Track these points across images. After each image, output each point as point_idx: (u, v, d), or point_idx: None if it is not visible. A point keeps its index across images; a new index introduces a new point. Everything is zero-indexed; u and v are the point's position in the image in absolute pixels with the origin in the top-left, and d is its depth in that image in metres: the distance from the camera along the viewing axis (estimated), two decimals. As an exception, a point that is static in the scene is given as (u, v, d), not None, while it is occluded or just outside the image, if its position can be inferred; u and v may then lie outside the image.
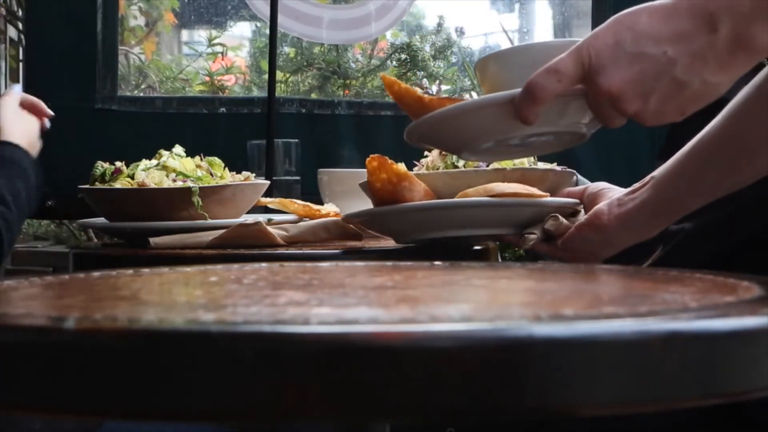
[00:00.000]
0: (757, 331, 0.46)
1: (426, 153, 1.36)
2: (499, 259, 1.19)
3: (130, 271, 0.76)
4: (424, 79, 3.31)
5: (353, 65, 3.29)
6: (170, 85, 3.38)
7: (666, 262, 1.12)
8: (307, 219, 1.48)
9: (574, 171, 1.34)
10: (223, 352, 0.40)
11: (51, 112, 1.58)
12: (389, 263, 0.82)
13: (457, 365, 0.40)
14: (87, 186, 1.47)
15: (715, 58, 0.77)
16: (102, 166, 1.48)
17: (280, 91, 3.04)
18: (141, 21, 3.70)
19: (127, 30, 3.53)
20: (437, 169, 1.32)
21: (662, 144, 1.27)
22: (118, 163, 1.47)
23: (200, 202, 1.38)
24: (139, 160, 1.48)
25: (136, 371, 0.41)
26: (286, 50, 3.34)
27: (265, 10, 2.48)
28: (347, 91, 3.26)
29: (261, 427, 0.43)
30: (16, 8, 3.38)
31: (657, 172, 1.06)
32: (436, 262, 0.84)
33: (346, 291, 0.63)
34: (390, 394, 0.40)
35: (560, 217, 1.18)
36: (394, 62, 3.27)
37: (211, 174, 1.45)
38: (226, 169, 1.50)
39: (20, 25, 3.32)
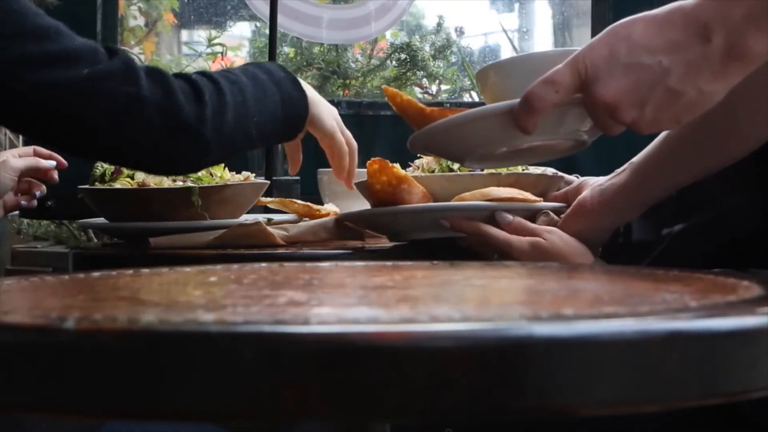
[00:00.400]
0: (757, 331, 0.46)
1: (420, 156, 1.37)
2: (496, 257, 1.21)
3: (130, 271, 0.76)
4: (424, 79, 3.31)
5: (353, 65, 3.29)
6: (170, 85, 3.38)
7: (657, 263, 1.14)
8: (307, 219, 1.48)
9: (564, 174, 1.38)
10: (223, 352, 0.40)
11: (62, 161, 1.56)
12: (389, 263, 0.82)
13: (457, 365, 0.40)
14: (87, 186, 1.47)
15: (709, 67, 0.77)
16: (102, 166, 1.48)
17: (280, 91, 3.03)
18: (141, 21, 3.70)
19: (126, 30, 3.53)
20: (432, 170, 1.34)
21: None
22: (118, 163, 1.47)
23: (200, 202, 1.38)
24: (139, 160, 1.48)
25: (136, 371, 0.41)
26: (286, 50, 3.34)
27: (264, 10, 2.48)
28: (347, 91, 3.26)
29: (261, 427, 0.43)
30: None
31: (636, 158, 1.11)
32: (436, 262, 0.84)
33: (346, 291, 0.63)
34: (390, 394, 0.40)
35: (551, 213, 1.21)
36: (394, 62, 3.27)
37: (211, 174, 1.45)
38: (226, 169, 1.50)
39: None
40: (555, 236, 1.19)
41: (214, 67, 3.42)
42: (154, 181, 1.43)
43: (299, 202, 1.53)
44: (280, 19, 2.39)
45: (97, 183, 1.46)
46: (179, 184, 1.42)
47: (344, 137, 1.42)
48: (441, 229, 1.21)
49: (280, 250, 1.31)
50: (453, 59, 3.38)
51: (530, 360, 0.41)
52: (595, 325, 0.43)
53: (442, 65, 3.31)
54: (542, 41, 3.80)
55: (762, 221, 1.09)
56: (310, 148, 2.25)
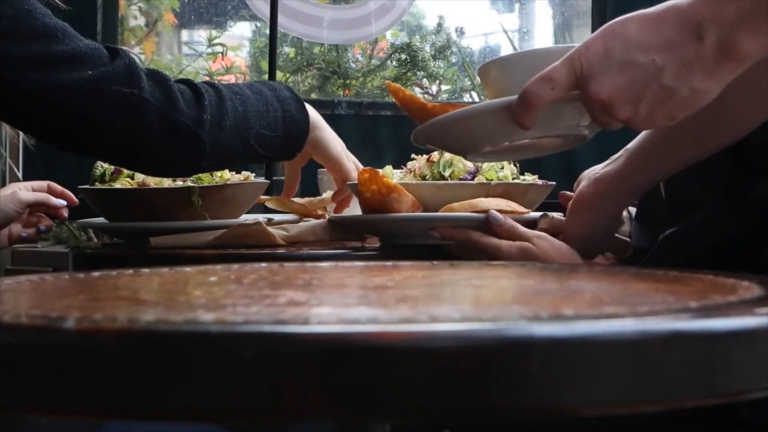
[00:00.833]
0: (757, 331, 0.46)
1: (414, 157, 1.40)
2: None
3: (130, 271, 0.76)
4: (424, 79, 3.31)
5: (353, 65, 3.29)
6: (170, 84, 3.38)
7: (650, 265, 1.16)
8: (306, 219, 1.48)
9: (554, 183, 1.40)
10: (223, 352, 0.40)
11: (73, 199, 1.56)
12: (389, 263, 0.82)
13: (457, 365, 0.40)
14: (87, 186, 1.47)
15: (702, 65, 0.78)
16: (102, 166, 1.48)
17: (280, 91, 3.03)
18: (141, 21, 3.70)
19: (127, 30, 3.53)
20: (424, 176, 1.36)
21: None
22: (118, 163, 1.47)
23: (200, 202, 1.38)
24: (139, 160, 1.48)
25: (136, 371, 0.41)
26: (286, 50, 3.34)
27: (265, 10, 2.48)
28: (347, 91, 3.27)
29: (261, 427, 0.43)
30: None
31: (631, 144, 1.13)
32: (436, 262, 0.84)
33: (346, 291, 0.63)
34: (390, 394, 0.40)
35: (549, 214, 1.23)
36: (394, 62, 3.27)
37: (211, 174, 1.45)
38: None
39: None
40: (545, 242, 1.21)
41: (214, 66, 3.42)
42: (154, 181, 1.43)
43: (298, 200, 1.54)
44: (281, 19, 2.40)
45: (97, 183, 1.46)
46: (179, 183, 1.42)
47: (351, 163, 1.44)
48: (429, 236, 1.25)
49: (280, 250, 1.31)
50: (453, 59, 3.38)
51: (530, 360, 0.41)
52: (595, 326, 0.43)
53: (442, 65, 3.31)
54: (543, 41, 3.79)
55: (742, 226, 1.12)
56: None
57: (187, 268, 0.80)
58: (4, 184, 2.73)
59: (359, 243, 1.39)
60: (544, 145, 1.03)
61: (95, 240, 2.86)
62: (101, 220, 1.51)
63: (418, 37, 3.37)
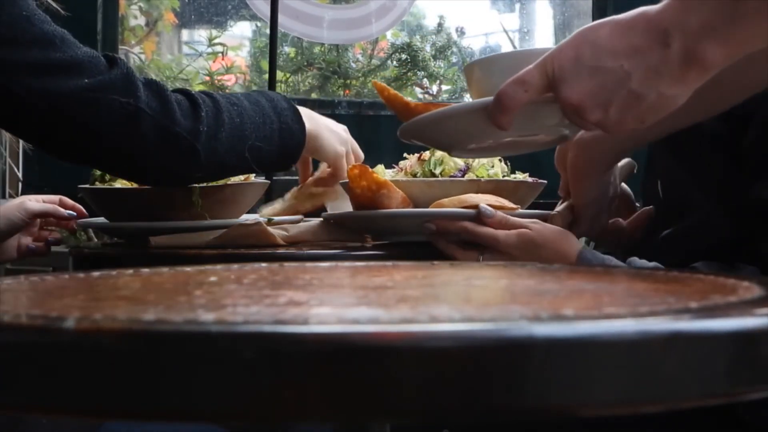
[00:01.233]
0: (758, 332, 0.46)
1: (406, 156, 1.42)
2: (481, 259, 1.24)
3: (130, 271, 0.76)
4: (425, 79, 3.31)
5: (353, 65, 3.29)
6: (170, 84, 3.38)
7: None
8: (307, 219, 1.48)
9: (545, 181, 1.40)
10: (223, 352, 0.40)
11: (82, 211, 1.55)
12: (389, 263, 0.82)
13: (458, 365, 0.40)
14: (87, 186, 1.47)
15: (669, 72, 0.79)
16: (102, 166, 1.48)
17: (281, 90, 3.04)
18: (141, 20, 3.70)
19: (127, 29, 3.53)
20: (415, 174, 1.38)
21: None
22: (119, 163, 1.47)
23: (200, 202, 1.38)
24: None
25: (136, 371, 0.41)
26: (287, 50, 3.34)
27: (265, 10, 2.48)
28: (347, 91, 3.26)
29: (261, 427, 0.43)
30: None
31: None
32: (436, 262, 0.84)
33: (346, 291, 0.63)
34: (390, 394, 0.40)
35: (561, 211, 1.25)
36: (395, 62, 3.27)
37: (211, 174, 1.45)
38: (227, 169, 1.50)
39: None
40: (540, 226, 1.22)
41: (214, 66, 3.42)
42: (154, 180, 1.43)
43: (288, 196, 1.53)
44: (281, 18, 2.40)
45: (97, 183, 1.46)
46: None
47: (353, 151, 1.45)
48: (418, 233, 1.26)
49: (281, 250, 1.31)
50: (454, 59, 3.38)
51: (530, 360, 0.41)
52: (596, 326, 0.43)
53: (442, 65, 3.31)
54: (543, 41, 3.80)
55: (738, 226, 1.13)
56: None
57: (187, 268, 0.80)
58: (4, 185, 2.73)
59: (359, 243, 1.39)
60: (528, 143, 1.04)
61: (95, 240, 2.86)
62: (101, 220, 1.51)
63: (418, 37, 3.37)
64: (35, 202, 1.50)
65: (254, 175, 1.53)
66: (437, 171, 1.35)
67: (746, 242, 1.13)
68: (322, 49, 3.21)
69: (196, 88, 3.36)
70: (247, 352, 0.40)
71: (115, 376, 0.41)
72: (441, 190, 1.31)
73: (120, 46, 2.83)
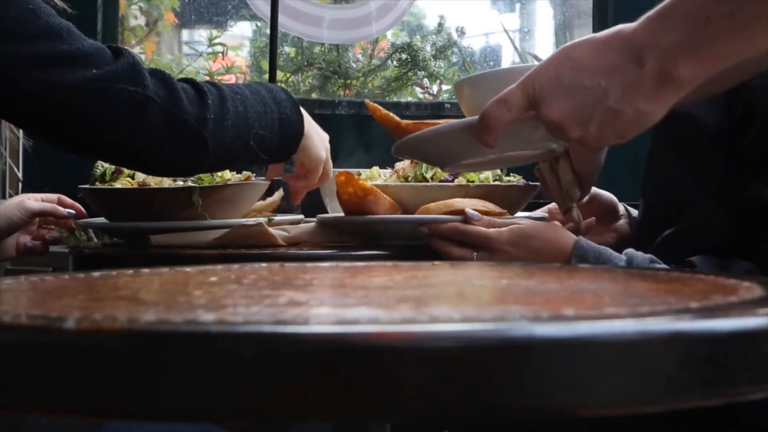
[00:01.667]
0: (758, 332, 0.46)
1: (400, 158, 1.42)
2: (474, 258, 1.26)
3: (130, 271, 0.76)
4: (425, 79, 3.31)
5: (354, 65, 3.29)
6: (171, 84, 3.37)
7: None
8: (309, 220, 1.49)
9: (538, 184, 1.40)
10: (223, 352, 0.40)
11: (81, 210, 1.52)
12: (390, 263, 0.82)
13: (458, 365, 0.40)
14: (87, 186, 1.47)
15: (644, 89, 0.82)
16: (102, 165, 1.48)
17: (281, 91, 3.03)
18: (141, 21, 3.70)
19: (127, 29, 3.53)
20: (407, 177, 1.39)
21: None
22: (119, 163, 1.47)
23: (200, 202, 1.38)
24: (140, 159, 1.48)
25: (136, 371, 0.40)
26: (287, 50, 3.34)
27: (265, 10, 2.48)
28: (348, 91, 3.26)
29: (261, 427, 0.43)
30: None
31: None
32: (437, 262, 0.84)
33: (346, 291, 0.63)
34: (390, 394, 0.40)
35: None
36: (395, 62, 3.27)
37: (212, 174, 1.45)
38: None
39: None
40: (529, 220, 1.23)
41: (214, 66, 3.42)
42: (154, 181, 1.43)
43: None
44: (281, 18, 2.40)
45: (97, 183, 1.46)
46: (180, 183, 1.42)
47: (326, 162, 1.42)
48: (406, 238, 1.29)
49: (281, 250, 1.31)
50: (454, 59, 3.37)
51: (530, 360, 0.41)
52: (596, 326, 0.43)
53: (443, 65, 3.30)
54: (543, 41, 3.80)
55: (736, 225, 1.13)
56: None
57: (188, 268, 0.80)
58: (4, 184, 2.73)
59: (354, 244, 1.39)
60: (518, 157, 1.06)
61: (95, 240, 2.86)
62: (101, 220, 1.51)
63: (418, 36, 3.36)
64: (34, 201, 1.49)
65: (254, 175, 1.53)
66: (428, 175, 1.37)
67: (746, 242, 1.13)
68: (323, 49, 3.20)
69: (197, 87, 3.36)
70: (247, 352, 0.40)
71: (115, 376, 0.41)
72: (430, 195, 1.32)
73: (122, 46, 2.83)
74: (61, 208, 1.51)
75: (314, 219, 1.47)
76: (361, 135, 2.42)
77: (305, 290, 0.62)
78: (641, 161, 1.35)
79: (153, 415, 0.43)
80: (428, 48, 3.28)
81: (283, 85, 3.15)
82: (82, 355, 0.41)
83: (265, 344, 0.40)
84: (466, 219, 1.24)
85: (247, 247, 1.32)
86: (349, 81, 3.25)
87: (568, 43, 0.86)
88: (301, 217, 1.53)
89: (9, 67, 1.06)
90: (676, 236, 1.21)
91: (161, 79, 1.15)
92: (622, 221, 1.46)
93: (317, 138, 1.38)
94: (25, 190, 2.68)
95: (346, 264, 0.82)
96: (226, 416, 0.41)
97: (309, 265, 0.80)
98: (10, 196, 2.62)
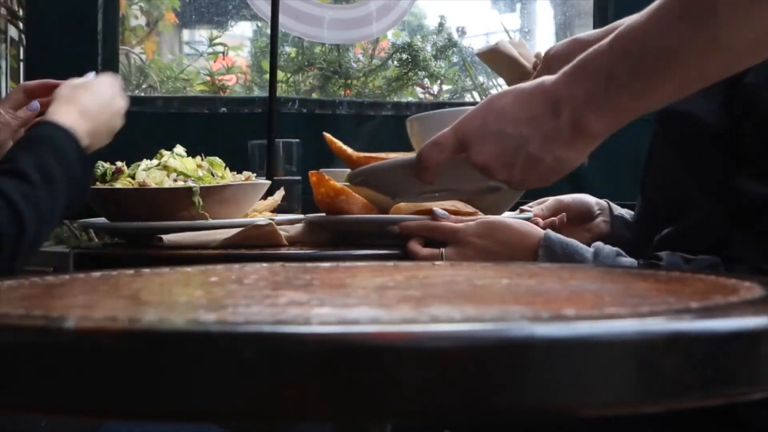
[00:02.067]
0: (759, 332, 0.46)
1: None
2: (443, 256, 1.29)
3: (131, 271, 0.76)
4: (426, 79, 3.30)
5: (354, 65, 3.29)
6: (171, 84, 3.38)
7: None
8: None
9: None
10: (223, 352, 0.40)
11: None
12: (390, 263, 0.82)
13: (458, 365, 0.40)
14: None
15: (561, 139, 0.87)
16: (103, 166, 1.47)
17: (281, 90, 3.03)
18: (142, 21, 3.70)
19: (127, 30, 3.53)
20: None
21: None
22: (119, 163, 1.47)
23: (201, 202, 1.38)
24: (140, 160, 1.48)
25: (136, 371, 0.40)
26: (287, 50, 3.34)
27: (266, 10, 2.48)
28: (348, 91, 3.26)
29: (261, 427, 0.43)
30: (16, 8, 3.38)
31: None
32: (437, 263, 0.83)
33: (347, 291, 0.63)
34: (390, 394, 0.40)
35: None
36: (395, 62, 3.27)
37: (212, 174, 1.45)
38: (227, 169, 1.50)
39: (21, 25, 3.32)
40: (494, 214, 1.25)
41: (215, 66, 3.42)
42: (155, 181, 1.43)
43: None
44: (282, 18, 2.39)
45: (98, 183, 1.46)
46: (180, 184, 1.42)
47: None
48: (379, 237, 1.32)
49: (282, 250, 1.31)
50: (454, 59, 3.37)
51: (531, 360, 0.41)
52: (596, 326, 0.43)
53: (443, 65, 3.30)
54: (544, 41, 3.79)
55: (734, 226, 1.14)
56: (312, 148, 2.25)
57: (188, 268, 0.80)
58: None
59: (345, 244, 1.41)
60: (464, 191, 1.10)
61: (96, 240, 2.86)
62: (102, 220, 1.51)
63: (419, 36, 3.36)
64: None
65: (254, 175, 1.54)
66: None
67: (743, 240, 1.13)
68: (323, 49, 3.20)
69: (197, 88, 3.37)
70: (247, 352, 0.40)
71: (115, 376, 0.41)
72: None
73: (121, 47, 2.83)
74: (27, 113, 1.38)
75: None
76: (361, 135, 2.42)
77: (305, 290, 0.62)
78: (641, 160, 1.35)
79: (153, 415, 0.43)
80: (429, 48, 3.28)
81: (284, 85, 3.16)
82: (82, 355, 0.41)
83: (265, 344, 0.40)
84: (434, 217, 1.26)
85: (248, 247, 1.32)
86: (349, 81, 3.25)
87: (494, 94, 0.94)
88: (302, 216, 1.53)
89: None
90: (675, 236, 1.21)
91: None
92: (598, 220, 1.47)
93: (101, 132, 1.29)
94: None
95: (347, 264, 0.82)
96: (226, 416, 0.41)
97: (309, 265, 0.80)
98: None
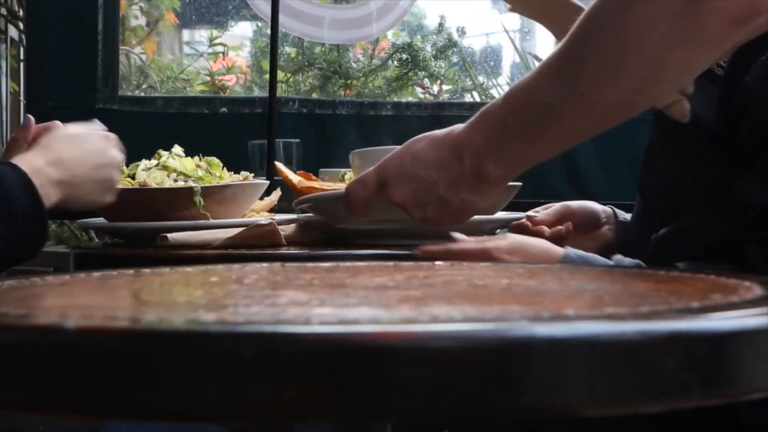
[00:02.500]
0: (758, 331, 0.46)
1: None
2: None
3: (131, 271, 0.76)
4: (426, 79, 3.31)
5: (354, 65, 3.29)
6: (171, 85, 3.38)
7: (646, 263, 1.17)
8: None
9: (520, 183, 1.41)
10: (223, 352, 0.40)
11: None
12: (390, 263, 0.82)
13: (458, 365, 0.40)
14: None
15: (465, 183, 0.93)
16: (102, 166, 1.47)
17: (281, 90, 3.03)
18: (142, 21, 3.70)
19: (128, 30, 3.53)
20: None
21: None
22: (119, 163, 1.47)
23: (202, 202, 1.38)
24: (140, 160, 1.48)
25: (136, 371, 0.40)
26: (287, 50, 3.34)
27: (266, 10, 2.48)
28: (348, 91, 3.26)
29: (261, 427, 0.43)
30: (17, 8, 3.38)
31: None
32: (438, 262, 0.84)
33: (347, 291, 0.63)
34: (390, 394, 0.40)
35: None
36: (395, 62, 3.27)
37: (211, 174, 1.45)
38: (225, 169, 1.50)
39: (21, 25, 3.32)
40: (516, 232, 1.25)
41: (215, 66, 3.42)
42: (155, 181, 1.43)
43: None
44: (282, 18, 2.40)
45: (98, 183, 1.46)
46: (181, 184, 1.42)
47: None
48: (367, 237, 1.35)
49: (282, 250, 1.31)
50: (454, 59, 3.37)
51: (531, 360, 0.41)
52: (597, 326, 0.43)
53: (443, 65, 3.30)
54: (544, 41, 3.79)
55: (733, 227, 1.13)
56: (312, 148, 2.25)
57: (188, 268, 0.80)
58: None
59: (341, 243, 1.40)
60: (401, 220, 1.11)
61: (96, 240, 2.86)
62: (102, 220, 1.51)
63: (419, 36, 3.36)
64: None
65: (253, 175, 1.54)
66: None
67: (737, 240, 1.13)
68: (323, 49, 3.20)
69: (197, 88, 3.37)
70: (247, 352, 0.40)
71: (115, 376, 0.41)
72: None
73: (121, 47, 2.83)
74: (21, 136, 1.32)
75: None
76: (362, 135, 2.42)
77: (306, 290, 0.62)
78: (640, 160, 1.35)
79: (153, 415, 0.43)
80: (429, 48, 3.28)
81: (284, 85, 3.16)
82: (82, 355, 0.41)
83: (265, 344, 0.40)
84: (455, 240, 1.25)
85: (248, 247, 1.32)
86: (349, 81, 3.25)
87: (412, 139, 0.99)
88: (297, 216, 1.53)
89: None
90: (672, 235, 1.21)
91: None
92: (604, 228, 1.46)
93: (89, 186, 1.20)
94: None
95: (347, 264, 0.82)
96: (226, 416, 0.41)
97: (309, 265, 0.80)
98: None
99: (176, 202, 1.39)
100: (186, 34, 4.16)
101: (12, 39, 3.50)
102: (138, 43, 3.63)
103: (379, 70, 3.29)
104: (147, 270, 0.77)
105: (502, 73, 3.71)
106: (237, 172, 1.51)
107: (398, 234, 1.31)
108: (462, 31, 3.42)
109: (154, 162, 1.47)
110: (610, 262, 1.16)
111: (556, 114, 0.85)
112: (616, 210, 1.47)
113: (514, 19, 3.83)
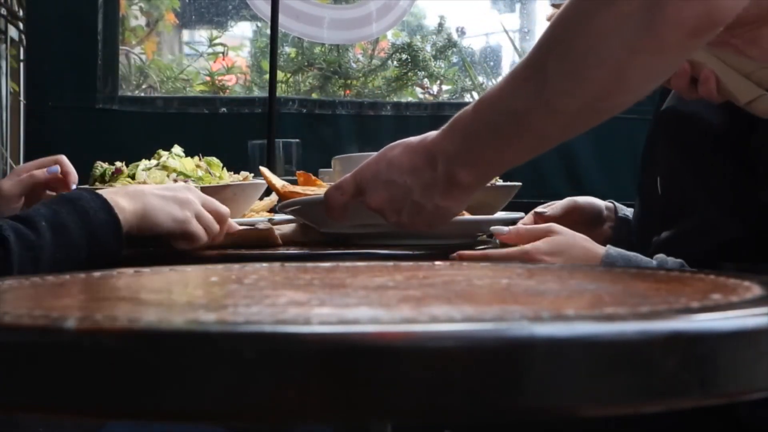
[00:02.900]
0: (758, 331, 0.46)
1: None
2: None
3: (131, 271, 0.76)
4: (425, 80, 3.30)
5: (354, 65, 3.29)
6: (171, 85, 3.38)
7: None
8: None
9: (519, 183, 1.42)
10: (224, 352, 0.40)
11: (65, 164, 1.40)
12: (390, 263, 0.82)
13: (458, 365, 0.40)
14: (86, 186, 1.46)
15: (438, 189, 0.95)
16: (102, 166, 1.47)
17: (281, 91, 3.03)
18: (142, 21, 3.70)
19: (127, 30, 3.53)
20: None
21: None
22: (119, 164, 1.47)
23: (201, 202, 1.38)
24: (140, 160, 1.48)
25: (136, 371, 0.40)
26: (287, 50, 3.34)
27: (266, 10, 2.48)
28: (348, 91, 3.26)
29: (261, 427, 0.43)
30: (17, 8, 3.38)
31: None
32: (437, 262, 0.84)
33: (347, 291, 0.63)
34: (390, 394, 0.40)
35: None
36: (395, 62, 3.27)
37: (210, 174, 1.45)
38: (224, 169, 1.50)
39: (21, 26, 3.32)
40: (559, 227, 1.23)
41: (215, 67, 3.42)
42: (154, 181, 1.43)
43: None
44: (282, 19, 2.40)
45: (97, 183, 1.46)
46: (181, 184, 1.42)
47: (203, 219, 1.26)
48: (366, 226, 1.30)
49: (281, 250, 1.31)
50: (454, 59, 3.37)
51: (531, 360, 0.41)
52: (596, 326, 0.43)
53: (443, 65, 3.30)
54: (543, 41, 3.79)
55: (734, 229, 1.13)
56: (312, 148, 2.25)
57: (188, 268, 0.80)
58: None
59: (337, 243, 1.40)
60: (382, 224, 1.12)
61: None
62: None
63: (419, 37, 3.36)
64: (8, 182, 1.37)
65: (253, 175, 1.54)
66: None
67: (759, 245, 1.12)
68: (323, 49, 3.20)
69: (197, 88, 3.36)
70: (247, 352, 0.40)
71: (115, 376, 0.41)
72: None
73: (121, 47, 2.83)
74: (38, 174, 1.38)
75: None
76: (362, 135, 2.42)
77: (306, 290, 0.62)
78: (638, 145, 1.34)
79: (153, 415, 0.43)
80: (428, 48, 3.28)
81: (283, 86, 3.16)
82: (82, 355, 0.41)
83: (265, 344, 0.40)
84: (494, 236, 1.26)
85: (248, 247, 1.32)
86: (349, 81, 3.25)
87: (388, 145, 1.01)
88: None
89: None
90: (675, 238, 1.20)
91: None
92: (606, 225, 1.46)
93: (162, 205, 1.23)
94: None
95: (347, 264, 0.82)
96: (226, 416, 0.41)
97: (309, 265, 0.80)
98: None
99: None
100: (186, 34, 4.16)
101: (12, 39, 3.50)
102: (138, 43, 3.63)
103: (379, 71, 3.29)
104: (147, 270, 0.77)
105: (502, 73, 3.71)
106: (237, 172, 1.51)
107: (398, 234, 1.31)
108: (462, 31, 3.42)
109: (154, 162, 1.47)
110: (653, 262, 1.15)
111: (525, 120, 0.86)
112: (617, 204, 1.47)
113: (514, 19, 3.84)
